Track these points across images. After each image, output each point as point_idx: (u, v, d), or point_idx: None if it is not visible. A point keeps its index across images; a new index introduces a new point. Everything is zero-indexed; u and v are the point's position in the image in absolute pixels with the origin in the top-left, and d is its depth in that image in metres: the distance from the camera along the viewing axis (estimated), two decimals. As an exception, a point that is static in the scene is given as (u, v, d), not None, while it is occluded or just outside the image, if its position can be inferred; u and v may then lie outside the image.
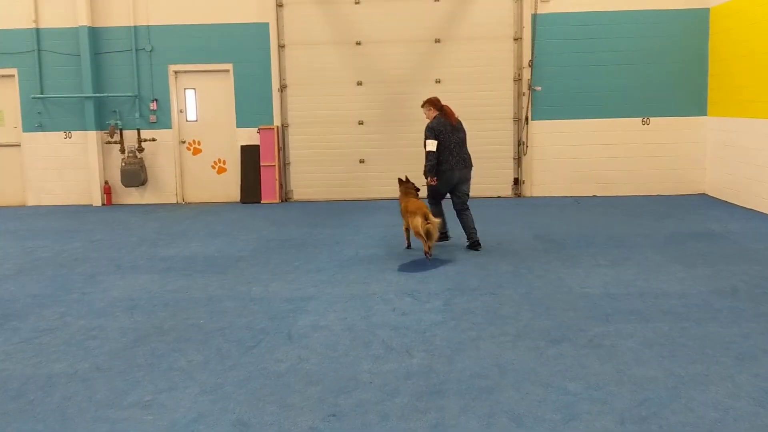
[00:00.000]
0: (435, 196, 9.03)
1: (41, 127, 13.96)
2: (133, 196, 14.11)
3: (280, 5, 13.63)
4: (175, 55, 13.85)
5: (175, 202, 14.03)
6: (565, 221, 10.77)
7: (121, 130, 13.89)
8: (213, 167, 14.12)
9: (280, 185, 13.86)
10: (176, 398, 4.41)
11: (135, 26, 13.80)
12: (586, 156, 13.55)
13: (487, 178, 13.57)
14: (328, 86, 13.73)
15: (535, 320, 5.85)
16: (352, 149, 13.82)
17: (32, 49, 13.85)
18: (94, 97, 13.78)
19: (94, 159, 13.88)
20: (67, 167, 14.01)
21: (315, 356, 5.09)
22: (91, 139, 13.86)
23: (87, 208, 13.49)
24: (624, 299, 6.42)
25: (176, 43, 13.78)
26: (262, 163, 13.71)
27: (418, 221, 8.08)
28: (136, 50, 13.85)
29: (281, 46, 13.70)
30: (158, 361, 5.06)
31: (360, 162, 13.85)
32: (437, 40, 13.61)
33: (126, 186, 13.85)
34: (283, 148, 13.90)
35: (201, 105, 14.11)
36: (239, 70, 13.78)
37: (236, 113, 13.88)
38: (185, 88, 14.09)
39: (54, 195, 14.05)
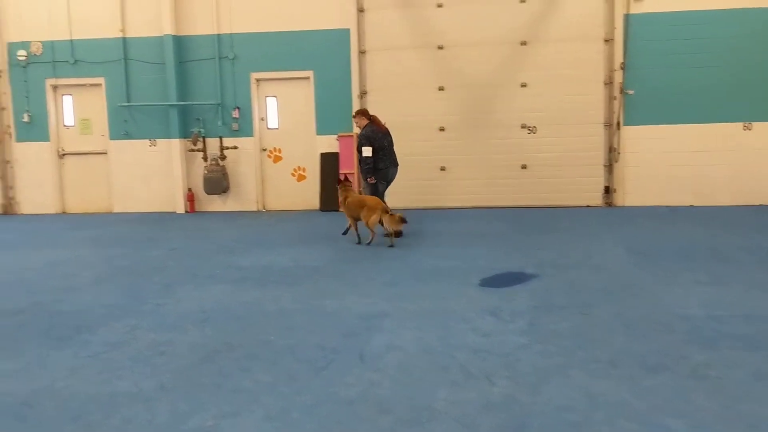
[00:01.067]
0: (374, 193, 10.11)
1: (127, 135, 14.18)
2: (215, 204, 14.16)
3: (361, 11, 13.42)
4: (257, 62, 13.84)
5: (255, 209, 14.00)
6: (660, 233, 10.11)
7: (204, 137, 13.96)
8: (293, 175, 14.03)
9: (359, 193, 13.61)
10: (239, 424, 4.14)
11: (218, 34, 13.86)
12: (682, 163, 12.79)
13: (576, 186, 12.99)
14: (409, 92, 13.43)
15: (629, 345, 5.34)
16: (433, 156, 13.47)
17: (119, 58, 14.09)
18: (179, 105, 13.90)
19: (177, 166, 14.00)
20: (151, 175, 14.18)
21: (388, 381, 4.74)
22: (175, 146, 13.98)
23: (170, 216, 13.59)
24: (729, 322, 5.82)
25: (258, 51, 13.76)
26: (341, 171, 13.52)
27: (375, 217, 9.34)
28: (220, 58, 13.92)
29: (362, 52, 13.49)
30: (224, 381, 4.82)
31: (441, 169, 13.48)
32: (523, 43, 13.12)
33: (208, 193, 13.91)
34: (363, 156, 13.67)
35: (282, 112, 14.05)
36: (319, 76, 13.65)
37: (316, 120, 13.76)
38: (266, 96, 14.07)
39: (139, 202, 14.24)
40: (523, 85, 13.13)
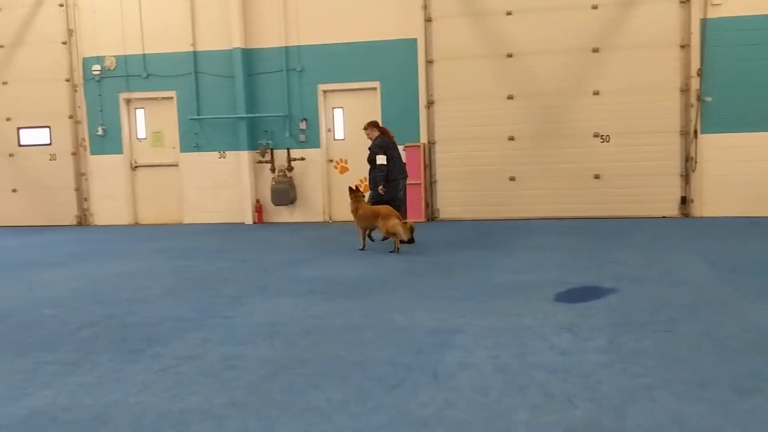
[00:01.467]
0: (380, 203, 10.35)
1: (197, 148, 14.37)
2: (283, 215, 14.22)
3: (428, 20, 13.31)
4: (324, 74, 13.86)
5: (322, 220, 14.00)
6: (743, 246, 9.66)
7: (272, 149, 14.04)
8: (359, 185, 13.97)
9: (426, 204, 13.49)
10: (311, 444, 4.03)
11: (286, 47, 13.95)
12: (763, 172, 12.24)
13: (651, 197, 12.59)
14: (478, 101, 13.24)
15: (719, 365, 5.04)
16: (502, 166, 13.23)
17: (190, 72, 14.30)
18: (247, 117, 14.02)
19: (246, 178, 14.11)
20: (220, 186, 14.33)
21: (463, 401, 4.57)
22: (243, 158, 14.11)
23: (239, 227, 13.70)
24: (827, 343, 5.45)
25: (325, 63, 13.79)
26: (407, 181, 13.37)
27: (395, 222, 9.73)
28: (287, 70, 13.98)
29: (429, 62, 13.37)
30: (295, 398, 4.72)
31: (510, 179, 13.23)
32: (595, 50, 12.79)
33: (276, 204, 13.98)
34: (429, 166, 13.53)
35: (348, 123, 14.03)
36: (386, 87, 13.58)
37: (383, 131, 13.67)
38: (333, 107, 14.07)
39: (208, 213, 14.40)
40: (596, 93, 12.79)
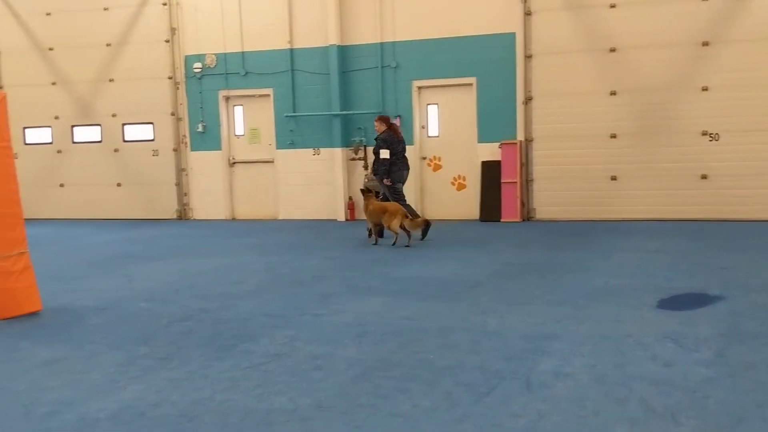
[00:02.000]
0: (396, 199, 11.03)
1: (293, 145, 14.48)
2: (375, 212, 14.15)
3: (528, 14, 12.96)
4: (419, 70, 13.72)
5: (415, 218, 13.84)
6: None
7: (365, 146, 14.00)
8: (452, 183, 13.77)
9: (522, 203, 13.14)
10: (396, 452, 3.89)
11: (381, 43, 13.86)
12: None
13: (763, 198, 11.87)
14: (578, 97, 12.79)
15: (843, 386, 4.60)
16: (603, 165, 12.74)
17: (286, 69, 14.42)
18: (341, 114, 14.03)
19: (339, 175, 14.14)
20: (314, 183, 14.41)
21: (558, 413, 4.32)
22: (337, 155, 14.13)
23: (331, 223, 13.74)
24: None
25: (420, 59, 13.64)
26: (503, 180, 13.10)
27: (397, 222, 10.27)
28: (382, 67, 13.90)
29: (528, 57, 13.01)
30: (381, 402, 4.59)
31: (611, 179, 12.73)
32: (705, 43, 12.13)
33: (368, 202, 13.93)
34: (526, 164, 13.19)
35: (443, 120, 13.84)
36: (482, 83, 13.32)
37: (478, 128, 13.43)
38: (428, 104, 13.91)
39: (302, 210, 14.50)
40: (705, 89, 12.13)
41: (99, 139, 15.84)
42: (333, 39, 13.96)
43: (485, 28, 13.18)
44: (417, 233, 10.70)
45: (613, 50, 12.57)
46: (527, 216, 13.24)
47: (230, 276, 8.94)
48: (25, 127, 16.18)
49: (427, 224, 10.76)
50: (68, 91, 15.90)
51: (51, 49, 15.86)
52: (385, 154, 11.12)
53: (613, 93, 12.63)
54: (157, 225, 14.54)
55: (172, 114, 15.31)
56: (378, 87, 13.96)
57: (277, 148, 14.69)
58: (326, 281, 8.41)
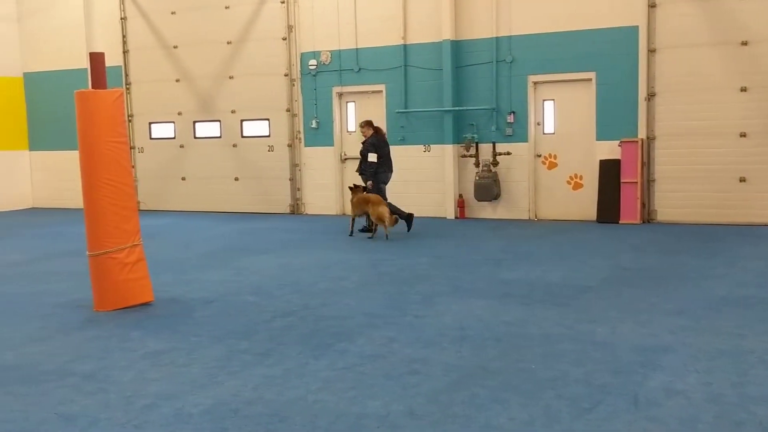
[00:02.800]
0: (379, 193, 11.75)
1: (403, 141, 14.39)
2: (485, 211, 13.87)
3: (652, 6, 12.30)
4: (535, 65, 13.31)
5: (527, 218, 13.47)
6: None
7: (477, 143, 13.73)
8: (568, 182, 13.28)
9: (642, 204, 12.51)
10: (488, 468, 3.70)
11: (497, 37, 13.54)
12: None
13: None
14: (705, 93, 12.04)
15: None
16: (731, 165, 11.94)
17: (399, 65, 14.34)
18: (453, 110, 13.82)
19: (450, 172, 13.93)
20: (424, 180, 14.26)
21: (666, 436, 4.00)
22: (448, 152, 13.94)
23: (440, 221, 13.57)
24: None
25: (537, 53, 13.22)
26: (622, 180, 12.51)
27: (383, 209, 11.22)
28: (497, 62, 13.58)
29: (651, 51, 12.36)
30: (476, 412, 4.41)
31: (740, 180, 11.92)
32: None
33: (479, 200, 13.66)
34: (647, 163, 12.54)
35: (559, 117, 13.38)
36: (602, 78, 12.76)
37: (596, 125, 12.88)
38: (543, 100, 13.48)
39: (411, 207, 14.24)
40: None
41: (218, 135, 16.30)
42: (447, 34, 13.76)
43: (606, 21, 12.61)
44: (391, 229, 11.50)
45: (744, 44, 11.74)
46: (647, 218, 12.59)
47: (334, 272, 8.93)
48: (150, 123, 16.89)
49: (409, 218, 11.90)
50: (191, 88, 16.45)
51: (175, 47, 16.44)
52: (372, 157, 11.85)
53: (743, 89, 11.80)
54: (270, 218, 14.82)
55: (288, 110, 15.55)
56: (492, 82, 13.64)
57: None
58: (430, 281, 8.26)
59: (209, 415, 4.45)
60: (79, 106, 7.20)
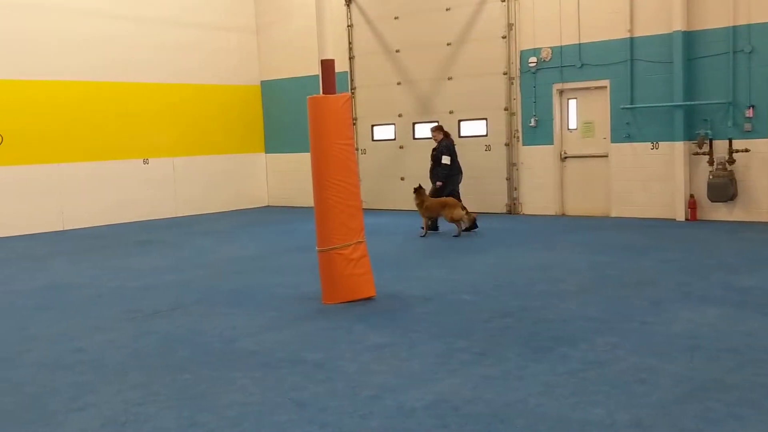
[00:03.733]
0: (439, 196, 12.29)
1: (629, 138, 13.79)
2: (720, 212, 12.91)
3: None
4: (777, 54, 12.16)
5: (767, 220, 12.35)
6: None
7: (710, 139, 12.81)
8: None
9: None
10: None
11: (734, 26, 12.55)
12: None
13: None
14: None
15: None
16: None
17: (625, 59, 13.75)
18: (684, 105, 13.00)
19: (679, 171, 13.13)
20: (651, 179, 13.56)
21: None
22: (678, 150, 13.14)
23: (668, 223, 12.82)
24: None
25: (782, 41, 12.07)
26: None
27: (460, 212, 11.83)
28: (734, 53, 12.59)
29: None
30: (710, 427, 4.11)
31: None
32: None
33: (712, 201, 12.74)
34: None
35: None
36: None
37: None
38: (784, 91, 12.28)
39: (635, 207, 13.74)
40: None
41: (436, 135, 16.58)
42: (678, 25, 12.96)
43: None
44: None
45: None
46: None
47: (552, 274, 8.74)
48: (372, 125, 17.57)
49: (475, 220, 12.31)
50: (411, 90, 16.89)
51: (397, 51, 16.96)
52: (446, 160, 12.56)
53: None
54: (486, 218, 14.81)
55: (506, 109, 15.47)
56: (728, 75, 12.64)
57: (612, 142, 14.07)
58: (657, 286, 7.82)
59: (431, 410, 4.54)
60: (311, 110, 7.65)
